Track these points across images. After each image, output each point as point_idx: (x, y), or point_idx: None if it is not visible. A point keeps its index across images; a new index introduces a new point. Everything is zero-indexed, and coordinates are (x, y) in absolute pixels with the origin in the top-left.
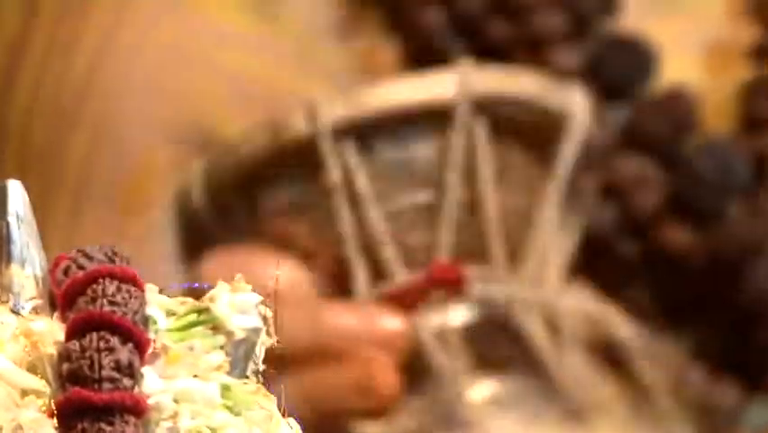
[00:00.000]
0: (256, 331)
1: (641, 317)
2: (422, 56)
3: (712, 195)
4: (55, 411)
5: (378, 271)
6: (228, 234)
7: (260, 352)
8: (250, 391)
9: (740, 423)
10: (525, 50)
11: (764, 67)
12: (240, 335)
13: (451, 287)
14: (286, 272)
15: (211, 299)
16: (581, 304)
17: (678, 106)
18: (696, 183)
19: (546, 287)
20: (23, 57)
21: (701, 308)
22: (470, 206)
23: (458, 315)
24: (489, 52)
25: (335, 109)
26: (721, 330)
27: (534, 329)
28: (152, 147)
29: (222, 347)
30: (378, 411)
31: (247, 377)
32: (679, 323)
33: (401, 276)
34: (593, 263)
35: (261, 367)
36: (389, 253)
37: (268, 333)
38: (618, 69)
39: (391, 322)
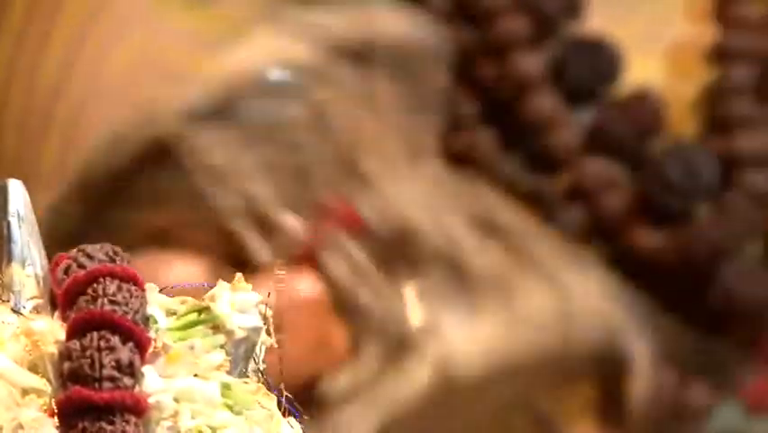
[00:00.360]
0: (256, 330)
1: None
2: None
3: (680, 197)
4: (56, 410)
5: (270, 236)
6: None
7: (260, 351)
8: (250, 390)
9: (709, 425)
10: (487, 56)
11: (726, 68)
12: (240, 334)
13: (352, 228)
14: (186, 269)
15: (211, 299)
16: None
17: (643, 108)
18: (663, 185)
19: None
20: None
21: (671, 310)
22: (341, 150)
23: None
24: (452, 59)
25: (183, 94)
26: (691, 332)
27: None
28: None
29: (222, 346)
30: (336, 365)
31: (247, 376)
32: (649, 324)
33: (293, 225)
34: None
35: (262, 366)
36: (277, 211)
37: (268, 332)
38: (583, 72)
39: (306, 284)
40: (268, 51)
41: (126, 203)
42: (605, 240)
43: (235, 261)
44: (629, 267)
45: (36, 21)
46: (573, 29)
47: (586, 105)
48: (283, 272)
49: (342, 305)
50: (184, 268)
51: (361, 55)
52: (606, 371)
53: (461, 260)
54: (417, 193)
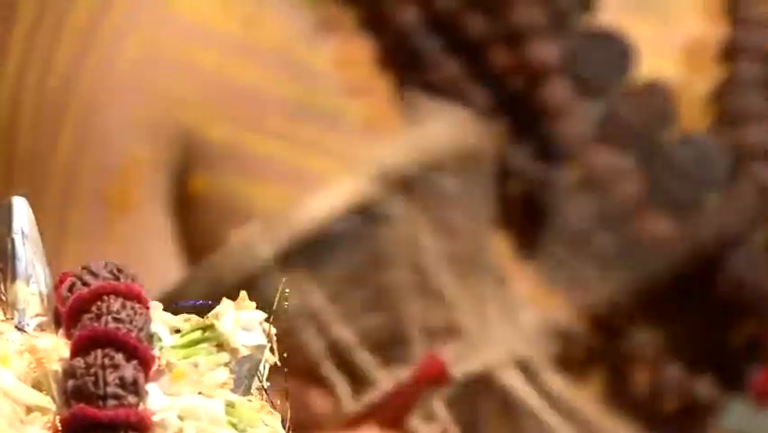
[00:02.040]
0: (260, 348)
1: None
2: (398, 53)
3: (690, 186)
4: (60, 428)
5: (357, 381)
6: None
7: (264, 369)
8: (254, 408)
9: (718, 420)
10: (502, 45)
11: (737, 64)
12: (244, 352)
13: (436, 379)
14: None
15: (215, 317)
16: (548, 324)
17: (654, 99)
18: (674, 175)
19: (515, 337)
20: (2, 61)
21: (679, 301)
22: (420, 280)
23: (444, 396)
24: (465, 48)
25: (266, 245)
26: (700, 323)
27: (516, 385)
28: (135, 148)
29: (226, 364)
30: None
31: (251, 394)
32: (657, 316)
33: (382, 379)
34: (571, 256)
35: (266, 384)
36: (364, 359)
37: (271, 350)
38: (595, 64)
39: None
40: (348, 195)
41: None
42: (615, 229)
43: (319, 393)
44: (639, 256)
45: (47, 17)
46: (587, 22)
47: (598, 97)
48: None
49: None
50: None
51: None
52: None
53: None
54: (504, 338)
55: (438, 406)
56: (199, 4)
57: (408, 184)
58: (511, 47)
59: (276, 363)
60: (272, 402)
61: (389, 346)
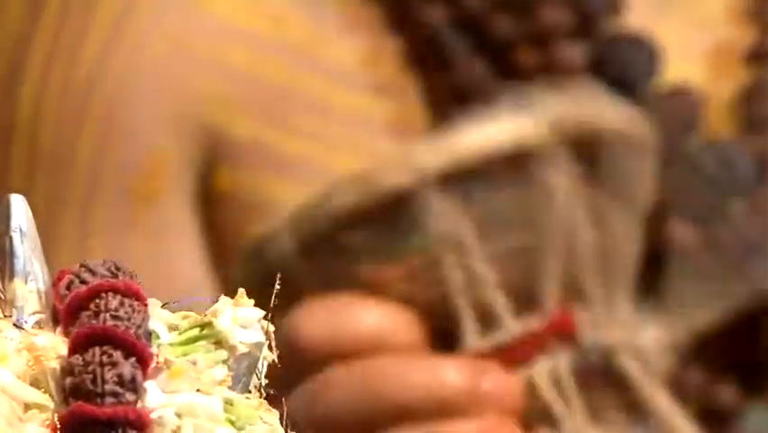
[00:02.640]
0: (259, 346)
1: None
2: (424, 53)
3: (715, 193)
4: (58, 426)
5: (485, 321)
6: (317, 280)
7: (262, 367)
8: (252, 405)
9: (740, 425)
10: (529, 46)
11: (763, 69)
12: (242, 349)
13: (564, 335)
14: (387, 317)
15: (214, 314)
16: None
17: (680, 104)
18: (699, 180)
19: (638, 329)
20: (28, 56)
21: (702, 306)
22: (566, 247)
23: (567, 360)
24: (492, 49)
25: (429, 158)
26: (722, 329)
27: (637, 374)
28: (161, 143)
29: (224, 362)
30: None
31: (249, 392)
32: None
33: (511, 325)
34: None
35: (264, 382)
36: (499, 301)
37: (270, 348)
38: (622, 67)
39: (498, 381)
40: (505, 132)
41: (344, 252)
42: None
43: (441, 330)
44: (662, 261)
45: (73, 13)
46: (614, 24)
47: (625, 101)
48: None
49: (535, 415)
50: (384, 315)
51: (584, 143)
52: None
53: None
54: (627, 323)
55: (564, 369)
56: (227, 2)
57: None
58: (538, 48)
59: (274, 361)
60: (270, 399)
61: (525, 297)
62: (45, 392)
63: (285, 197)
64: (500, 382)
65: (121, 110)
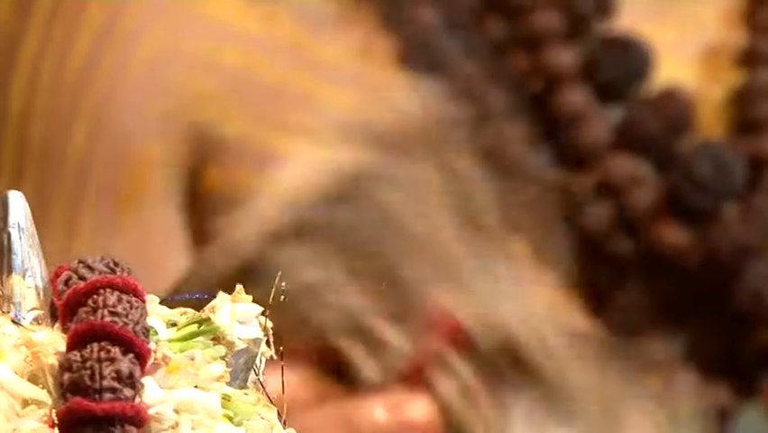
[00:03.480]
0: (256, 342)
1: (634, 318)
2: (417, 53)
3: (708, 195)
4: (56, 421)
5: (376, 351)
6: None
7: (260, 362)
8: (251, 401)
9: (733, 426)
10: (521, 49)
11: (756, 71)
12: (240, 345)
13: (455, 336)
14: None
15: (212, 310)
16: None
17: (672, 106)
18: (691, 183)
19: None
20: (19, 53)
21: (695, 309)
22: (419, 242)
23: (467, 363)
24: (484, 51)
25: (257, 217)
26: (715, 332)
27: (535, 347)
28: (150, 142)
29: (222, 358)
30: None
31: (247, 387)
32: (672, 324)
33: (402, 346)
34: (587, 263)
35: (262, 378)
36: (380, 326)
37: (268, 343)
38: (613, 70)
39: (420, 408)
40: (322, 162)
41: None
42: (631, 237)
43: (339, 374)
44: (655, 265)
45: (64, 11)
46: (605, 27)
47: (616, 103)
48: (396, 394)
49: (452, 428)
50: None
51: (398, 143)
52: None
53: (565, 378)
54: (513, 298)
55: (459, 363)
56: (218, 1)
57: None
58: (530, 51)
59: (272, 357)
60: (268, 395)
61: (401, 312)
62: (43, 388)
63: None
64: (420, 408)
65: (111, 108)
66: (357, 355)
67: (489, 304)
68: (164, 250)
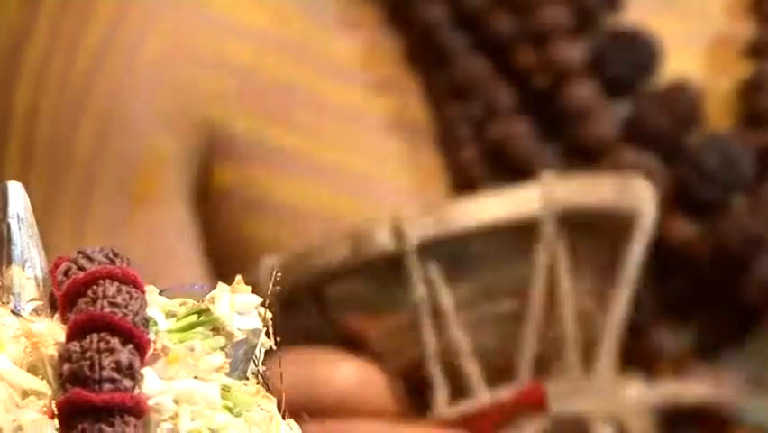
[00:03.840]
0: (256, 333)
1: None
2: (423, 51)
3: (716, 188)
4: (56, 412)
5: (457, 388)
6: (294, 332)
7: (260, 353)
8: (250, 392)
9: (742, 419)
10: (528, 44)
11: (763, 62)
12: (240, 336)
13: (534, 406)
14: (361, 376)
15: (211, 301)
16: (646, 400)
17: (680, 100)
18: (700, 176)
19: (618, 394)
20: (26, 51)
21: (704, 302)
22: (550, 315)
23: (535, 430)
24: (491, 46)
25: (421, 227)
26: (724, 325)
27: None
28: (159, 140)
29: (222, 348)
30: None
31: (247, 378)
32: (681, 317)
33: (482, 394)
34: None
35: (261, 368)
36: (472, 369)
37: (267, 334)
38: (622, 64)
39: None
40: (503, 208)
41: (326, 304)
42: None
43: (416, 391)
44: (664, 257)
45: (71, 8)
46: (613, 21)
47: (624, 97)
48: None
49: None
50: (358, 374)
51: (578, 218)
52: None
53: None
54: (607, 395)
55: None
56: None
57: (565, 220)
58: (537, 46)
59: (272, 348)
60: (268, 386)
61: (497, 369)
62: (43, 379)
63: (282, 192)
64: None
65: (119, 106)
66: (438, 385)
67: (580, 390)
68: (175, 247)
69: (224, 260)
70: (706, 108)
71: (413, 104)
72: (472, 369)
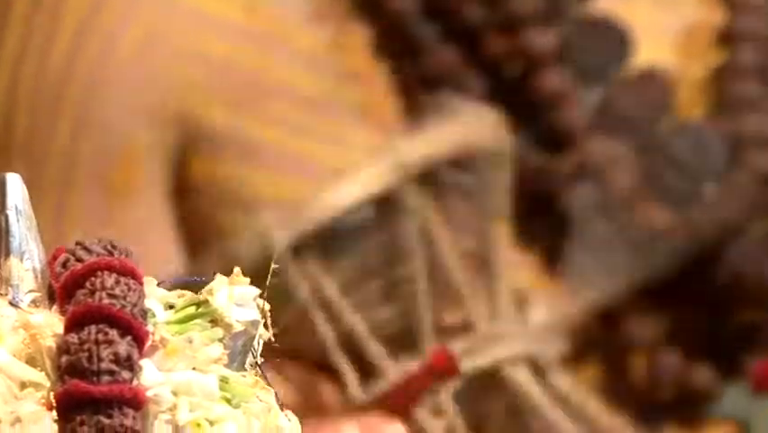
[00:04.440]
0: (254, 324)
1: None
2: (393, 40)
3: (688, 176)
4: (54, 404)
5: (366, 371)
6: None
7: (258, 345)
8: (248, 383)
9: (715, 407)
10: (499, 33)
11: (734, 51)
12: (238, 327)
13: (445, 372)
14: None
15: (209, 292)
16: (552, 321)
17: (651, 88)
18: (672, 164)
19: (524, 332)
20: (1, 45)
21: (677, 290)
22: (433, 274)
23: (449, 392)
24: (461, 35)
25: (287, 230)
26: (697, 312)
27: (524, 382)
28: (136, 132)
29: (220, 340)
30: None
31: (245, 369)
32: (654, 305)
33: (392, 371)
34: (568, 245)
35: (260, 360)
36: (375, 348)
37: (265, 326)
38: (592, 51)
39: (394, 431)
40: (366, 185)
41: None
42: (612, 218)
43: (328, 381)
44: (636, 244)
45: (45, 2)
46: (583, 9)
47: (595, 85)
48: (374, 417)
49: None
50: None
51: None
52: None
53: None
54: (515, 334)
55: (446, 400)
56: None
57: (425, 178)
58: (508, 35)
59: (270, 340)
60: (266, 378)
61: (400, 339)
62: (41, 371)
63: (258, 184)
64: None
65: (95, 99)
66: (347, 374)
67: (487, 339)
68: (153, 239)
69: (201, 253)
70: (677, 96)
71: (383, 94)
72: (375, 348)
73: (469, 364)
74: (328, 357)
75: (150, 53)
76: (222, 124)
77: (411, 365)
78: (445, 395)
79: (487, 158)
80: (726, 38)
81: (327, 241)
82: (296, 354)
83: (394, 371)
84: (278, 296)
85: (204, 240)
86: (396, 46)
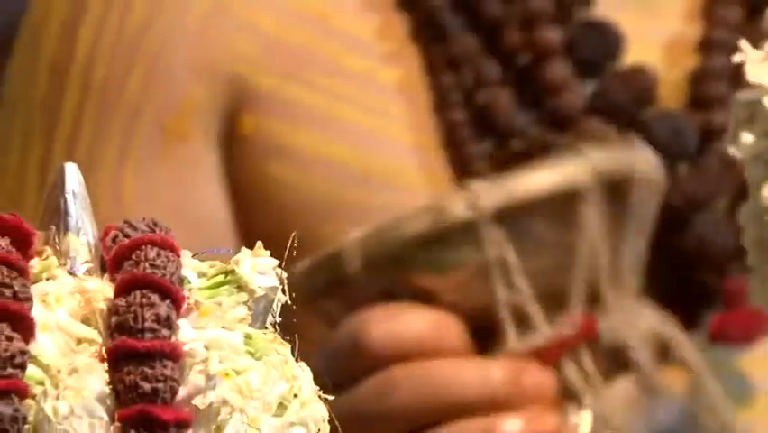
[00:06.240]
0: (273, 289)
1: None
2: (425, 29)
3: (664, 155)
4: (105, 357)
5: (523, 327)
6: (377, 291)
7: (276, 307)
8: (268, 339)
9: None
10: (514, 26)
11: (708, 57)
12: (260, 292)
13: (589, 338)
14: (439, 322)
15: (236, 263)
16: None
17: (639, 81)
18: (651, 145)
19: (645, 316)
20: (89, 2)
21: (651, 251)
22: (590, 267)
23: (590, 357)
24: (483, 27)
25: (490, 197)
26: (666, 272)
27: (644, 360)
28: (194, 88)
29: (245, 303)
30: None
31: (266, 328)
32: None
33: (545, 330)
34: None
35: (278, 319)
36: (535, 310)
37: (283, 291)
38: (591, 48)
39: (537, 376)
40: (553, 177)
41: (405, 267)
42: None
43: (483, 334)
44: None
45: None
46: (586, 13)
47: (592, 77)
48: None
49: (566, 404)
50: (436, 320)
51: (613, 188)
52: None
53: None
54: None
55: (587, 358)
56: None
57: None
58: (522, 29)
59: (287, 302)
60: (282, 334)
61: (556, 306)
62: (94, 329)
63: (299, 142)
64: (540, 378)
65: (163, 58)
66: (509, 325)
67: (622, 323)
68: (201, 181)
69: (246, 200)
70: (659, 94)
71: (415, 73)
72: (534, 310)
73: (607, 338)
74: (491, 311)
75: (214, 23)
76: (268, 88)
77: (563, 328)
78: (586, 353)
79: (643, 184)
80: (702, 46)
81: (515, 215)
82: (454, 307)
83: (548, 330)
84: (462, 253)
85: (247, 188)
86: (428, 34)
